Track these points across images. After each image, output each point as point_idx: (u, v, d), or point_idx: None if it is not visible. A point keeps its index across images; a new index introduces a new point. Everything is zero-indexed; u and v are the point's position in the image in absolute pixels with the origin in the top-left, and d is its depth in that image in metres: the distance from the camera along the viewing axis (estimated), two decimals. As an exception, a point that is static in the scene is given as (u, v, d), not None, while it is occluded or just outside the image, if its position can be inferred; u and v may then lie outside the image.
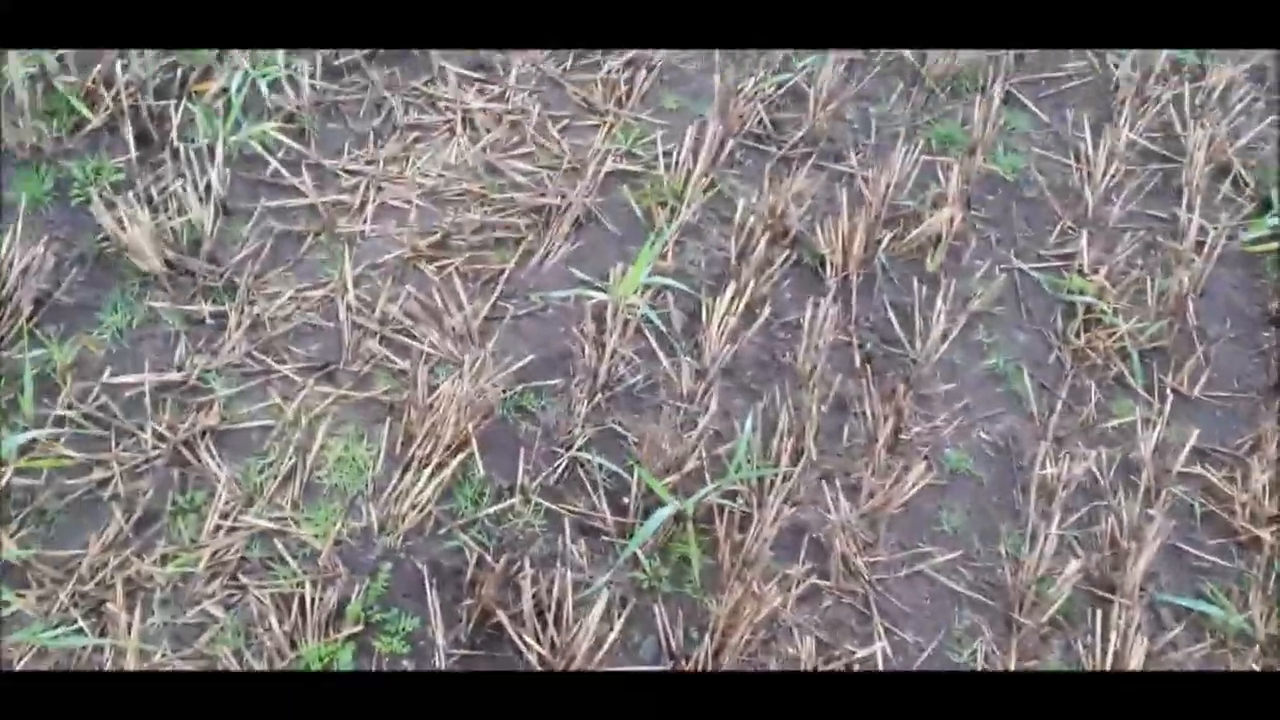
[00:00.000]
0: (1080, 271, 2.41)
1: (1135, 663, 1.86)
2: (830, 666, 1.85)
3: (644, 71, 2.70)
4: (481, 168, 2.51)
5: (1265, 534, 2.04)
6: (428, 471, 1.99)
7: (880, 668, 1.87)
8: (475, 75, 2.71)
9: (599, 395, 2.13)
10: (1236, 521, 2.08)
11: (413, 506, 1.96)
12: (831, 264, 2.38)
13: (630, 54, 2.75)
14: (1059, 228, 2.51)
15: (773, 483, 2.02)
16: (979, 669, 1.89)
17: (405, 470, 2.00)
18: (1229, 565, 2.04)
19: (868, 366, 2.25)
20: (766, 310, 2.29)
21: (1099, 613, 1.93)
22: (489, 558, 1.89)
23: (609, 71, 2.71)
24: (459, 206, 2.45)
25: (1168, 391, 2.25)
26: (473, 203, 2.46)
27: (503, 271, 2.33)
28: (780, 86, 2.68)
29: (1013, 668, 1.87)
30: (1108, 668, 1.86)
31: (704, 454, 2.07)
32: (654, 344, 2.22)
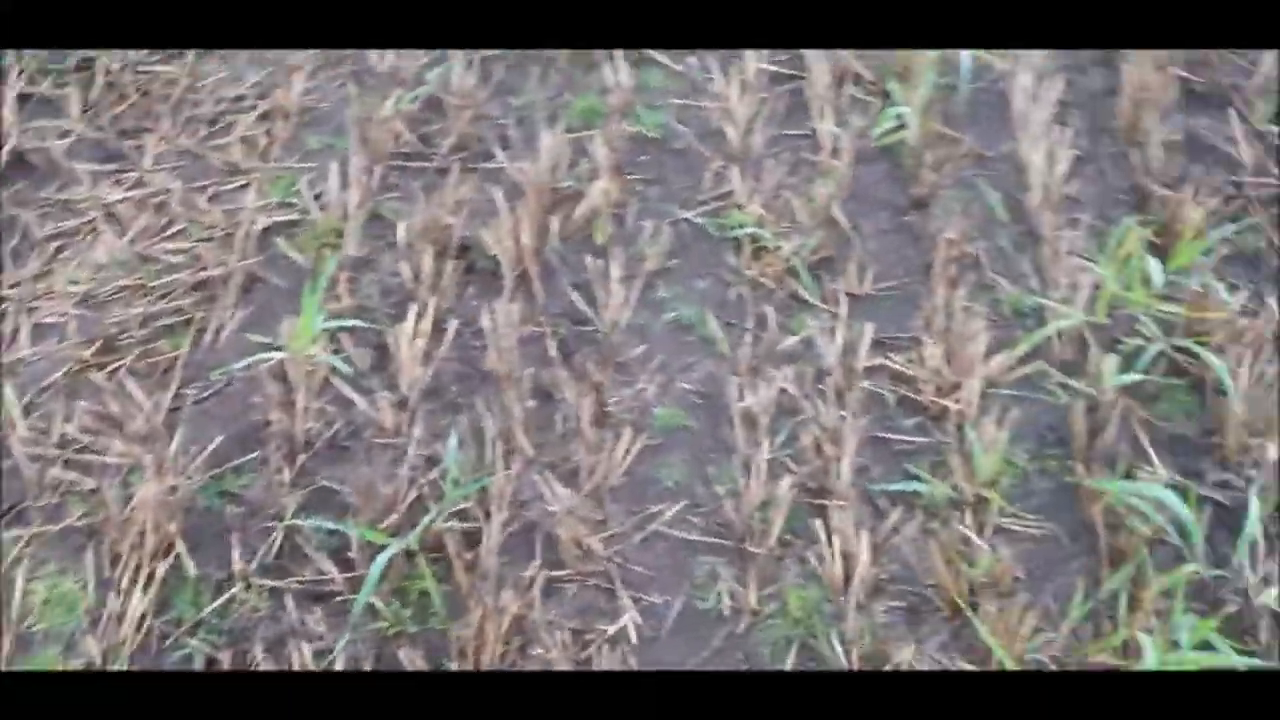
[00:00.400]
0: (739, 206, 2.52)
1: (864, 556, 1.97)
2: (585, 652, 1.89)
3: (281, 120, 2.65)
4: (134, 259, 2.41)
5: (949, 402, 2.20)
6: (139, 587, 1.91)
7: (633, 639, 1.92)
8: (109, 168, 2.60)
9: (301, 457, 2.10)
10: (925, 398, 2.23)
11: (133, 627, 1.88)
12: (507, 262, 2.40)
13: (264, 106, 2.69)
14: (711, 170, 2.61)
15: (493, 491, 2.04)
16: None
17: (117, 592, 1.92)
18: (927, 440, 2.19)
19: (562, 352, 2.29)
20: (454, 324, 2.30)
21: (819, 521, 2.03)
22: (220, 656, 1.84)
23: (246, 129, 2.64)
24: (119, 304, 2.35)
25: (840, 296, 2.38)
26: (132, 297, 2.36)
27: (177, 358, 2.25)
28: (417, 101, 2.68)
29: (754, 598, 1.96)
30: (838, 571, 1.97)
31: (423, 482, 2.07)
32: (346, 389, 2.19)
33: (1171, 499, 1.94)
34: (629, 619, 1.93)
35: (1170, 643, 1.79)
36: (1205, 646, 1.81)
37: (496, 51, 2.82)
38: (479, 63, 2.79)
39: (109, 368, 2.24)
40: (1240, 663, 1.77)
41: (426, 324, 2.27)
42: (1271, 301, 2.32)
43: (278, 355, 2.17)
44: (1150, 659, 1.73)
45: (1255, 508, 1.95)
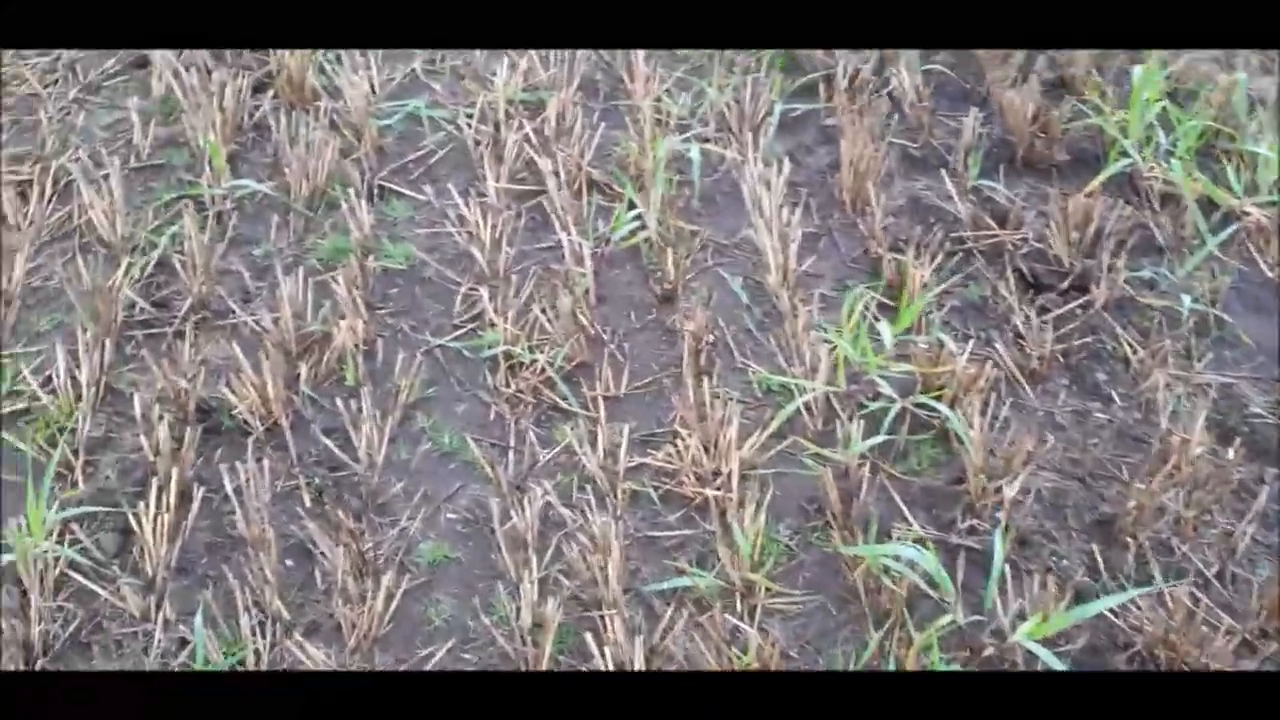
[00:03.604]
0: (491, 325, 2.51)
1: (638, 663, 1.94)
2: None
3: (3, 307, 2.54)
4: None
5: (709, 491, 2.21)
6: None
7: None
8: None
9: (40, 663, 1.96)
10: (687, 489, 2.24)
11: None
12: (255, 416, 2.34)
13: (-17, 293, 2.58)
14: (462, 294, 2.61)
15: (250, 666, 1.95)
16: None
17: None
18: (694, 532, 2.20)
19: (318, 502, 2.23)
20: (200, 492, 2.22)
21: (590, 635, 2.00)
22: None
23: (-36, 320, 2.52)
24: None
25: (598, 400, 2.40)
26: None
27: (-102, 577, 2.09)
28: (148, 267, 2.61)
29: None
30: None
31: (175, 668, 1.97)
32: (87, 580, 2.07)
33: (919, 555, 1.98)
34: (404, 774, 1.85)
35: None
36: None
37: (231, 204, 2.78)
38: (214, 217, 2.75)
39: None
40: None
41: (170, 497, 2.18)
42: (999, 346, 2.44)
43: (6, 558, 2.04)
44: None
45: (999, 550, 2.01)
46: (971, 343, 2.44)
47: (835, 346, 2.37)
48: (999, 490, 2.16)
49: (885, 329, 2.35)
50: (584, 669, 1.97)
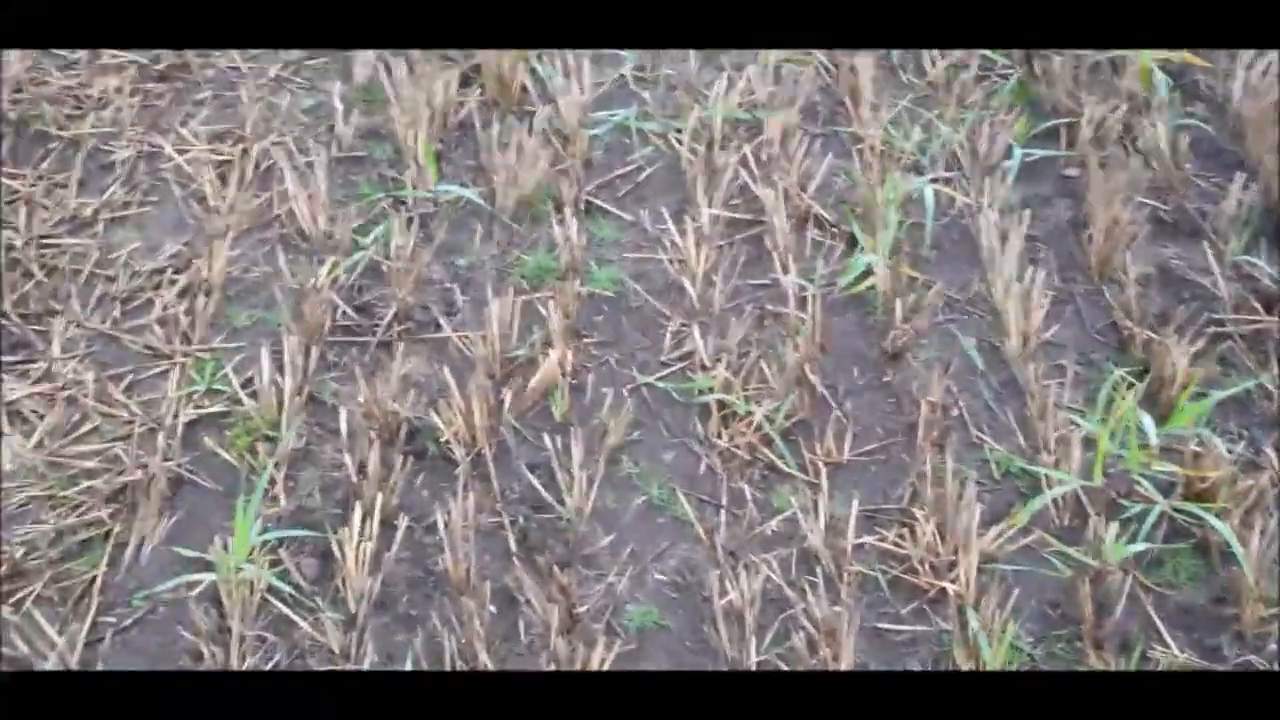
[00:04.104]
0: (704, 368, 2.36)
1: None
2: None
3: (203, 295, 2.45)
4: (43, 465, 2.18)
5: (948, 584, 2.04)
6: None
7: None
8: (10, 359, 2.37)
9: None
10: (921, 580, 2.07)
11: None
12: (460, 443, 2.22)
13: (185, 280, 2.49)
14: (671, 329, 2.45)
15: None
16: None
17: None
18: (927, 629, 2.02)
19: (524, 546, 2.10)
20: (404, 521, 2.11)
21: (819, 732, 1.85)
22: None
23: (165, 308, 2.44)
24: (25, 520, 2.11)
25: (819, 465, 2.23)
26: (41, 510, 2.13)
27: (94, 580, 2.02)
28: (355, 269, 2.50)
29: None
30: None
31: (376, 713, 1.86)
32: (286, 609, 1.98)
33: (1198, 693, 1.79)
34: None
35: None
36: None
37: (434, 207, 2.66)
38: (418, 220, 2.63)
39: (16, 596, 2.00)
40: None
41: (374, 524, 2.07)
42: (1269, 451, 2.21)
43: (208, 577, 1.95)
44: None
45: (1288, 696, 1.80)
46: (1239, 443, 2.21)
47: (1087, 432, 2.17)
48: (1273, 619, 1.94)
49: (1150, 424, 2.14)
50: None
